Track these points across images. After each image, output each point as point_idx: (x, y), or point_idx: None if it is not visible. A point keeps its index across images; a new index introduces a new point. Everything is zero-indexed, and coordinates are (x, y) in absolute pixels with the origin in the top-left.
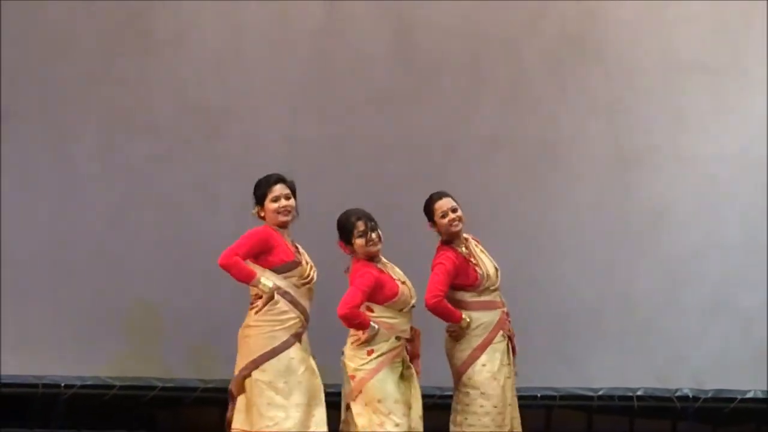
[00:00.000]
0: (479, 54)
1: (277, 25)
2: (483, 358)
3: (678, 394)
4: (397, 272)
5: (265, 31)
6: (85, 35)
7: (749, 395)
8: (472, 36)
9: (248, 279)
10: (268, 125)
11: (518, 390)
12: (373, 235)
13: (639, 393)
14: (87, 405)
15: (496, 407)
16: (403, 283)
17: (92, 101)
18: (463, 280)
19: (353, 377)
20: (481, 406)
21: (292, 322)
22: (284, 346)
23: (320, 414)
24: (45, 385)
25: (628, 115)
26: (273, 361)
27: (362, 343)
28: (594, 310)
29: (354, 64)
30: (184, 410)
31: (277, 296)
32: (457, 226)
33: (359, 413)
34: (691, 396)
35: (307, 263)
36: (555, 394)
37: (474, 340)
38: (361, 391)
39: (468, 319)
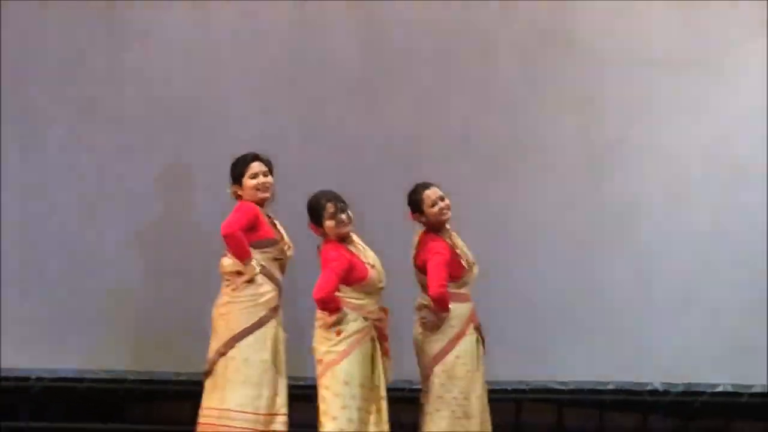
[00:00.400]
0: (449, 48)
1: (246, 18)
2: (457, 349)
3: (648, 387)
4: (368, 255)
5: (234, 24)
6: (53, 28)
7: (719, 389)
8: (442, 30)
9: (244, 256)
10: (238, 118)
11: (488, 383)
12: (343, 216)
13: (609, 387)
14: (58, 398)
15: (467, 399)
16: (373, 266)
17: (61, 94)
18: (450, 271)
19: (321, 361)
20: (454, 398)
21: (269, 296)
22: (262, 322)
23: (284, 391)
24: (16, 378)
25: (599, 109)
26: (250, 338)
27: (331, 325)
28: (564, 304)
29: (323, 57)
30: (157, 403)
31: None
32: (446, 214)
33: (323, 397)
34: (661, 390)
35: (284, 240)
36: (525, 387)
37: (449, 332)
38: (326, 374)
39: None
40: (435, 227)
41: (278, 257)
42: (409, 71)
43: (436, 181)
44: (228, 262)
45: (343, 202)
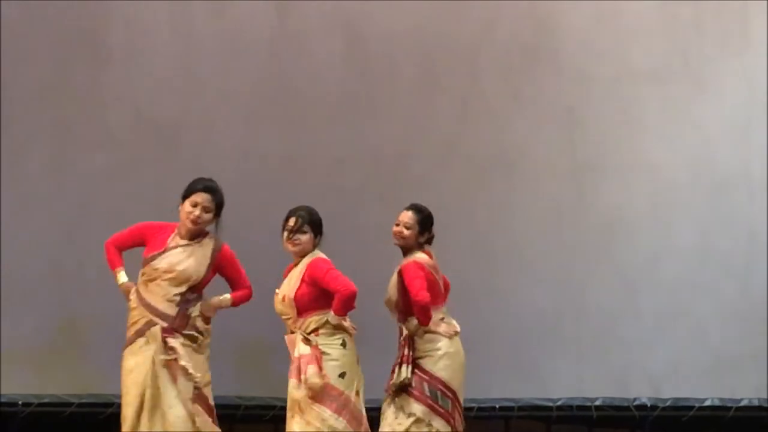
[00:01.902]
0: (433, 63)
1: (229, 38)
2: None
3: (636, 402)
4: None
5: (217, 43)
6: (37, 48)
7: (707, 403)
8: (426, 45)
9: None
10: (222, 137)
11: (476, 400)
12: (287, 235)
13: (597, 402)
14: (45, 423)
15: None
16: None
17: (45, 115)
18: None
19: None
20: None
21: (133, 320)
22: (129, 342)
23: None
24: (2, 404)
25: (582, 123)
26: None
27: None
28: (551, 320)
29: (307, 74)
30: None
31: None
32: (395, 240)
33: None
34: (649, 404)
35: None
36: (513, 404)
37: None
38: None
39: None
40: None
41: (150, 278)
42: (393, 88)
43: (418, 196)
44: None
45: (303, 224)
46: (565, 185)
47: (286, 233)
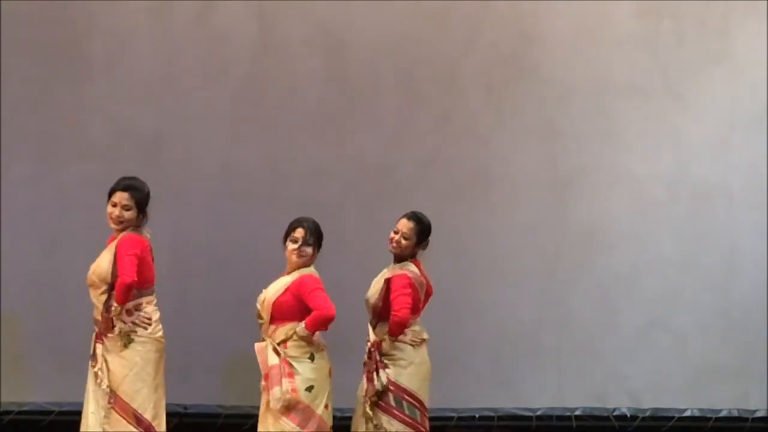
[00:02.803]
0: (413, 75)
1: (210, 49)
2: None
3: (616, 413)
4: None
5: (198, 55)
6: (18, 60)
7: (687, 414)
8: (407, 57)
9: None
10: (203, 149)
11: (456, 410)
12: (297, 246)
13: (577, 413)
14: (26, 430)
15: None
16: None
17: (25, 127)
18: None
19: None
20: None
21: None
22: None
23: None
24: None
25: (563, 136)
26: None
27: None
28: (531, 330)
29: (287, 86)
30: None
31: None
32: (391, 245)
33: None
34: (629, 415)
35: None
36: (493, 414)
37: None
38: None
39: None
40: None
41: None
42: (374, 99)
43: (399, 209)
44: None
45: (311, 237)
46: (545, 198)
47: (292, 244)
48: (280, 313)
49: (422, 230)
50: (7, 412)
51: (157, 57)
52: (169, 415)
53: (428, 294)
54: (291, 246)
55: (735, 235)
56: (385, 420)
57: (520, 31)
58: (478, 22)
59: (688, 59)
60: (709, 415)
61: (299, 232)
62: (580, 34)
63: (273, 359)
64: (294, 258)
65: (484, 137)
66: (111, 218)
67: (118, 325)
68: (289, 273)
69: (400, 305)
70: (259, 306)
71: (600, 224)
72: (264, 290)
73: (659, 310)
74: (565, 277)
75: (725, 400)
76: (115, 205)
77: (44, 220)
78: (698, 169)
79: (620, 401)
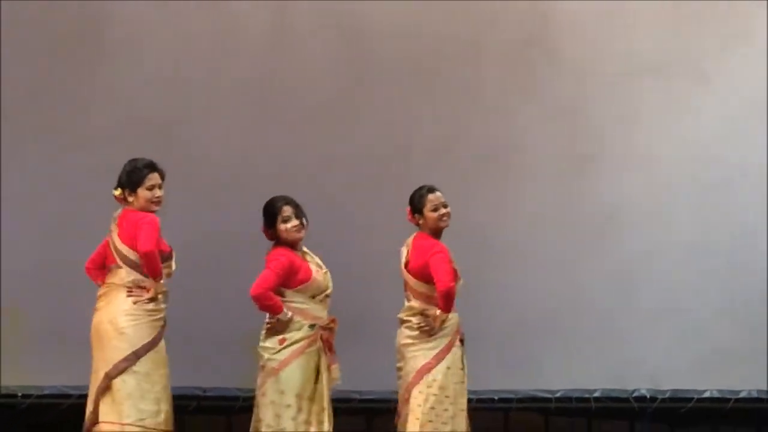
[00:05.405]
0: (432, 57)
1: (222, 36)
2: (446, 360)
3: (635, 394)
4: (314, 259)
5: (210, 41)
6: (29, 47)
7: (706, 395)
8: (425, 39)
9: (158, 274)
10: (212, 138)
11: (475, 392)
12: (296, 222)
13: (596, 394)
14: (45, 414)
15: (462, 410)
16: (319, 269)
17: (37, 113)
18: None
19: (262, 367)
20: (446, 410)
21: (165, 312)
22: (160, 337)
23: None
24: (2, 395)
25: (582, 117)
26: (152, 353)
27: (275, 331)
28: (549, 313)
29: (303, 69)
30: None
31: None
32: (445, 221)
33: (258, 403)
34: (648, 396)
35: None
36: (512, 396)
37: (443, 340)
38: (265, 382)
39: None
40: (432, 232)
41: (169, 272)
42: (390, 82)
43: None
44: (124, 273)
45: (299, 207)
46: (563, 179)
47: (289, 222)
48: None
49: None
50: (27, 396)
51: (169, 44)
52: (187, 398)
53: None
54: (290, 224)
55: (753, 217)
56: None
57: (539, 13)
58: (498, 4)
59: (711, 39)
60: (728, 396)
61: (288, 210)
62: (601, 15)
63: None
64: (296, 234)
65: (502, 119)
66: (153, 201)
67: None
68: (302, 253)
69: (447, 275)
70: (329, 284)
71: (618, 205)
72: (320, 268)
73: (678, 292)
74: (582, 258)
75: (745, 381)
76: (158, 187)
77: (51, 208)
78: (719, 149)
79: (639, 383)
